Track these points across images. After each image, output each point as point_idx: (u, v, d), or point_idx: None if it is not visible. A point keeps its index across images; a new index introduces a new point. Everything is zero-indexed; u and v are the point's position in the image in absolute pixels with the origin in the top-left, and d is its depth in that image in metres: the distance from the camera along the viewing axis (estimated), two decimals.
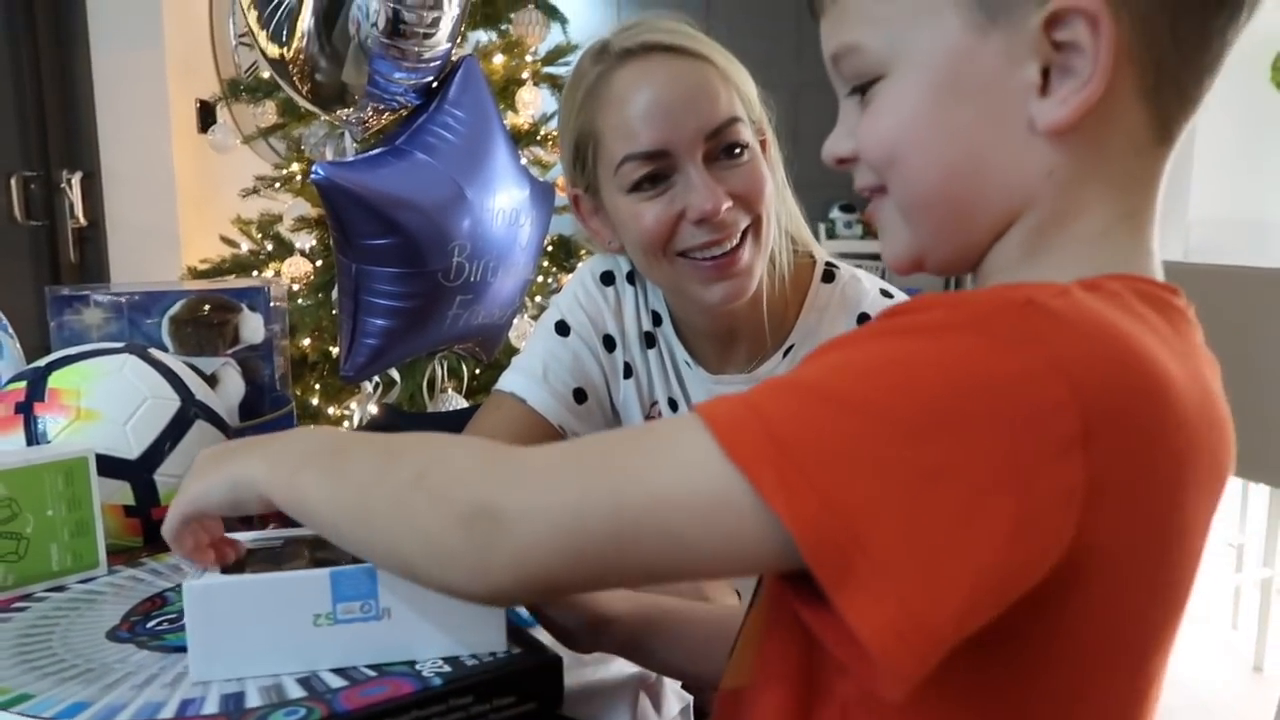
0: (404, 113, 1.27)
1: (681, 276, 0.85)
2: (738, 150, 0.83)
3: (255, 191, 2.14)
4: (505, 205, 1.28)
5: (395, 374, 1.46)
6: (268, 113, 2.13)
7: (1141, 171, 0.45)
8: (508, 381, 0.91)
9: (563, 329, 0.93)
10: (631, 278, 0.95)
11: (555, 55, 2.20)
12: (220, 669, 0.56)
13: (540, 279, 2.08)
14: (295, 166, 2.08)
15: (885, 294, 0.91)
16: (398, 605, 0.57)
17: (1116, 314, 0.39)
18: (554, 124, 2.26)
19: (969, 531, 0.35)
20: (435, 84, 1.22)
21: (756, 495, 0.36)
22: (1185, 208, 2.77)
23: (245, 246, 2.18)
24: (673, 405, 0.93)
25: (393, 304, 1.18)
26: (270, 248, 2.10)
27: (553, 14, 2.17)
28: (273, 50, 1.35)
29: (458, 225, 1.18)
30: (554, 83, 2.19)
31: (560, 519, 0.40)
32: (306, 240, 2.07)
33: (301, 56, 1.30)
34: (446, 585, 0.44)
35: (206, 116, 2.58)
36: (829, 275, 0.92)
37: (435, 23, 1.11)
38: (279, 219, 2.16)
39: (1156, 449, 0.38)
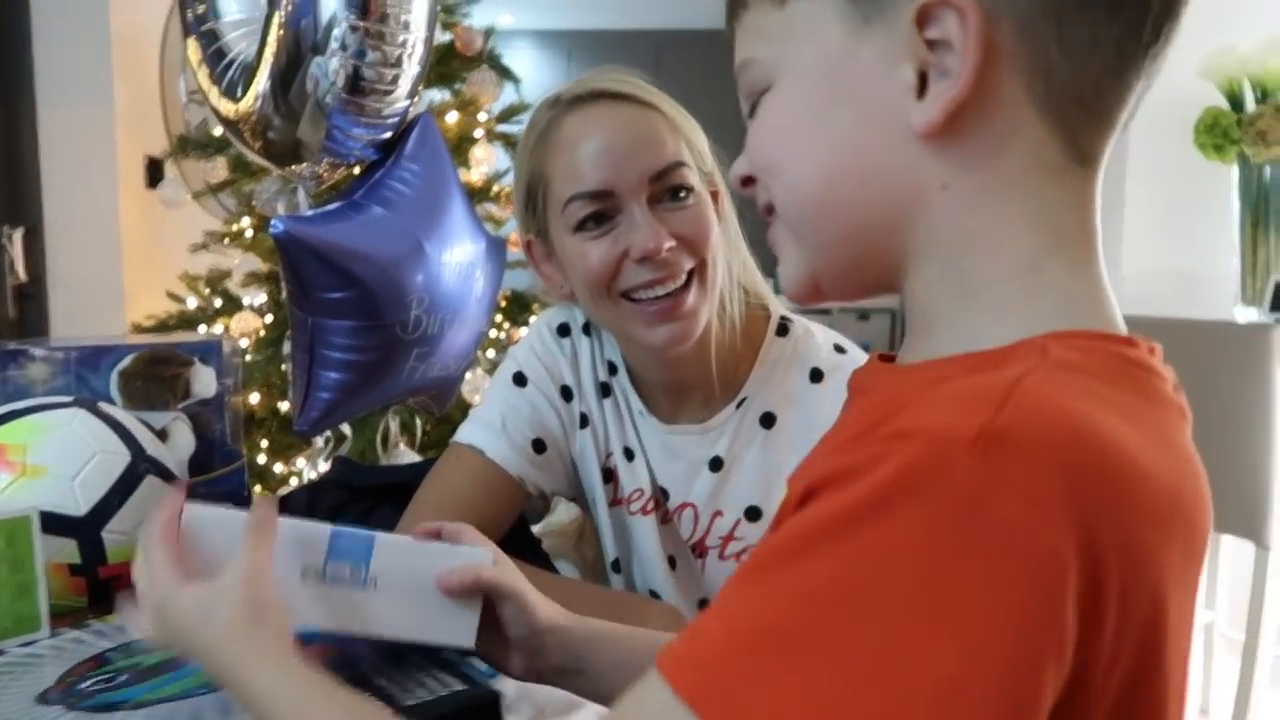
0: (359, 167, 1.28)
1: (626, 318, 0.86)
2: (682, 194, 0.85)
3: (204, 247, 2.13)
4: (462, 258, 1.28)
5: (347, 429, 1.45)
6: (218, 169, 2.12)
7: (1063, 194, 0.42)
8: (466, 433, 0.91)
9: (520, 380, 0.93)
10: (587, 329, 0.96)
11: (508, 114, 2.24)
12: None
13: (494, 334, 2.08)
14: (246, 221, 2.07)
15: (839, 349, 0.93)
16: (385, 578, 0.58)
17: (1078, 402, 0.36)
18: (507, 180, 2.29)
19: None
20: (392, 139, 1.23)
21: None
22: (1119, 262, 2.87)
23: (192, 302, 2.15)
24: (628, 454, 0.94)
25: (349, 357, 1.17)
26: (219, 304, 2.08)
27: (505, 74, 2.21)
28: (225, 107, 1.35)
29: (415, 278, 1.18)
30: (507, 140, 2.23)
31: None
32: (256, 296, 2.05)
33: (254, 114, 1.30)
34: None
35: (155, 172, 2.56)
36: (783, 329, 0.94)
37: (395, 80, 1.13)
38: (228, 274, 2.14)
39: (1136, 552, 0.35)
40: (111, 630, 0.79)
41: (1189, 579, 0.40)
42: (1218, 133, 2.53)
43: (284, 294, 1.36)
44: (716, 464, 0.92)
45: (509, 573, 0.63)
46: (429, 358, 1.28)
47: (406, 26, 1.10)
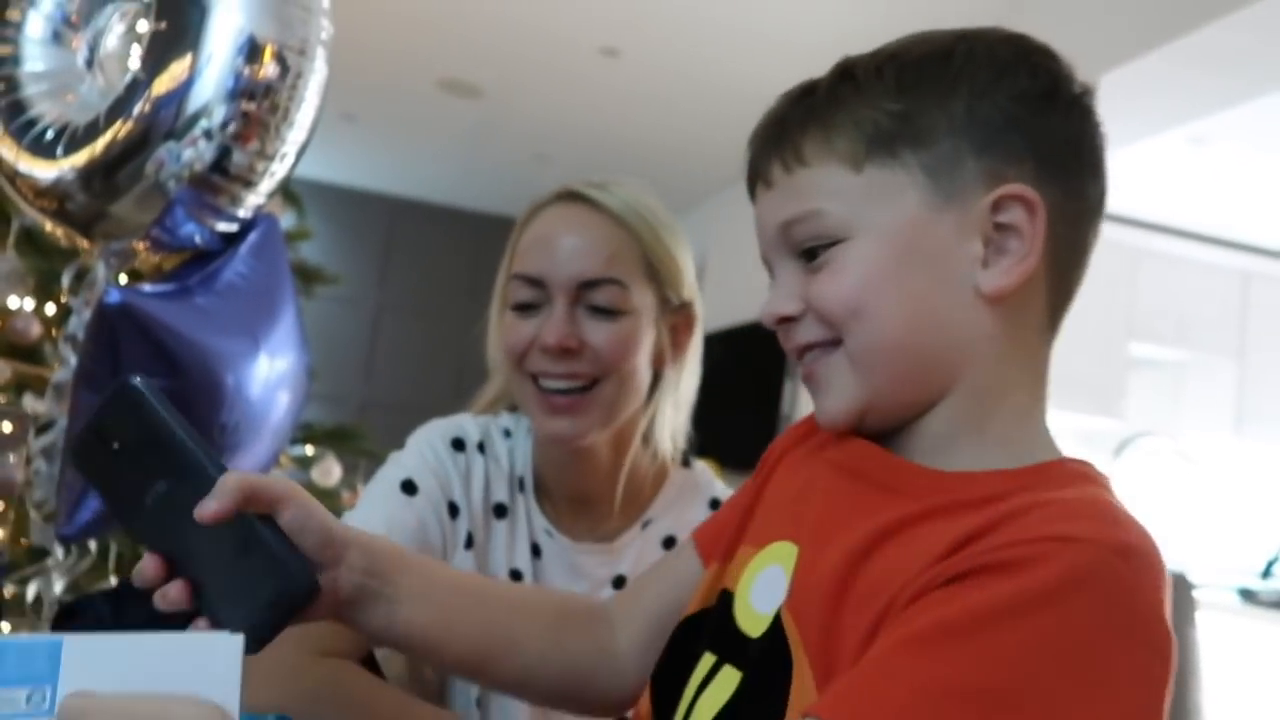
0: (183, 255, 1.19)
1: (528, 399, 0.91)
2: (609, 311, 0.89)
3: None
4: (282, 369, 1.21)
5: (93, 544, 1.25)
6: None
7: (1044, 356, 0.54)
8: None
9: (410, 489, 0.88)
10: (482, 447, 0.94)
11: (290, 238, 2.16)
12: None
13: None
14: None
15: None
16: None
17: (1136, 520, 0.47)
18: None
19: None
20: (233, 234, 1.17)
21: None
22: None
23: None
24: (515, 576, 0.91)
25: None
26: None
27: (291, 198, 2.15)
28: (26, 162, 1.22)
29: (241, 379, 1.10)
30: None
31: None
32: None
33: (59, 183, 1.19)
34: None
35: None
36: (685, 460, 0.99)
37: (264, 173, 1.09)
38: None
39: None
40: None
41: None
42: None
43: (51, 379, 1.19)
44: (619, 582, 0.93)
45: (278, 481, 0.56)
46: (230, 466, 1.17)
47: (292, 126, 1.08)
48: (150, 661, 0.45)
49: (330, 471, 2.03)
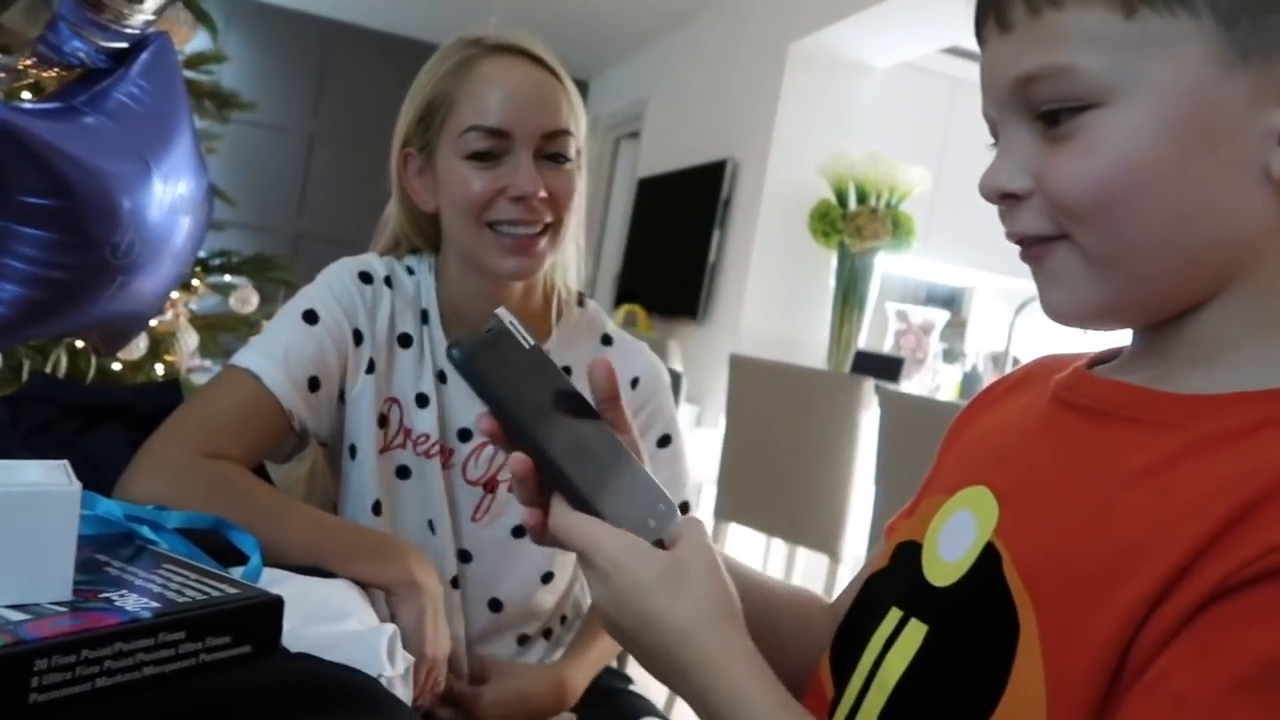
0: (74, 73, 1.17)
1: (485, 245, 0.96)
2: (562, 158, 0.96)
3: None
4: (180, 192, 1.22)
5: None
6: None
7: None
8: (244, 358, 0.89)
9: (311, 317, 0.94)
10: (389, 281, 0.99)
11: (198, 60, 2.10)
12: None
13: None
14: None
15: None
16: None
17: None
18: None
19: None
20: (124, 51, 1.15)
21: None
22: (739, 317, 3.33)
23: None
24: (421, 401, 0.98)
25: (41, 272, 1.06)
26: None
27: (203, 18, 2.07)
28: None
29: (136, 200, 1.11)
30: (193, 89, 2.08)
31: None
32: None
33: None
34: None
35: None
36: (580, 300, 1.06)
37: None
38: None
39: None
40: None
41: None
42: (827, 222, 3.05)
43: None
44: None
45: None
46: (128, 287, 1.20)
47: None
48: None
49: (248, 300, 2.05)
